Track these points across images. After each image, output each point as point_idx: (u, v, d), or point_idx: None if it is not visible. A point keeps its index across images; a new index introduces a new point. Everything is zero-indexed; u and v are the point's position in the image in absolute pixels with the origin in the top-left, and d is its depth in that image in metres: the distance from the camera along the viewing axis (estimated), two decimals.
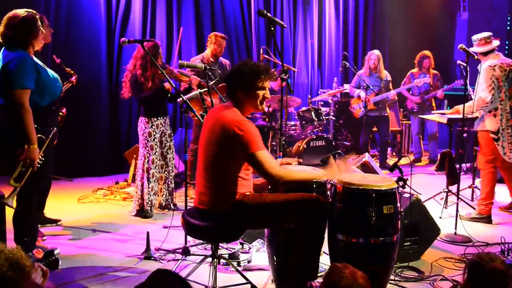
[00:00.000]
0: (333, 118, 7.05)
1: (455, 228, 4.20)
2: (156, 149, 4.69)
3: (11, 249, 1.53)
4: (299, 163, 3.44)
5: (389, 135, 7.30)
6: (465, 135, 5.99)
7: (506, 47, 8.88)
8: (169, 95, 4.69)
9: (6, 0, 4.51)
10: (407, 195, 3.58)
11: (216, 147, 2.81)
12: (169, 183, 4.85)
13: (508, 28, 9.05)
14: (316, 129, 6.41)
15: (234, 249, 3.64)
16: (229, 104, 2.92)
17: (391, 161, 7.19)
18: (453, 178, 4.92)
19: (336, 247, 2.92)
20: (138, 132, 4.75)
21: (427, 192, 5.21)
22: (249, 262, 3.57)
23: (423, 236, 3.69)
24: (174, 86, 4.04)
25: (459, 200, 4.40)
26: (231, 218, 2.82)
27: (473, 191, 5.44)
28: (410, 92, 7.32)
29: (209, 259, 3.13)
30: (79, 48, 6.23)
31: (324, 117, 6.38)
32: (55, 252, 3.65)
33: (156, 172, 4.73)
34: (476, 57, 4.43)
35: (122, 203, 5.22)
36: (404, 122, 8.18)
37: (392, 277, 3.21)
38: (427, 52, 7.17)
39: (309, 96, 6.86)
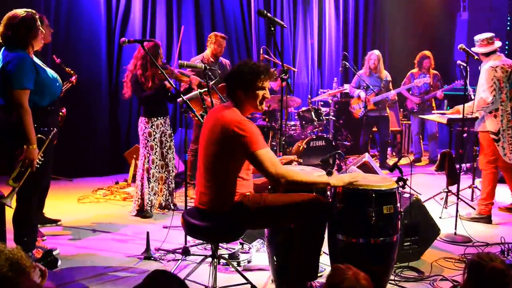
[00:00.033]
0: (333, 118, 7.05)
1: (455, 228, 4.20)
2: (156, 149, 4.69)
3: (11, 250, 1.53)
4: (299, 163, 3.43)
5: (389, 135, 7.30)
6: (465, 135, 6.00)
7: (506, 47, 8.88)
8: (169, 94, 4.69)
9: (6, 0, 4.51)
10: (407, 195, 3.58)
11: (216, 147, 2.81)
12: (169, 183, 4.85)
13: (508, 28, 9.05)
14: (316, 129, 6.41)
15: (234, 249, 3.64)
16: (229, 104, 2.92)
17: (391, 161, 7.19)
18: (453, 178, 4.92)
19: (336, 247, 2.92)
20: (138, 132, 4.75)
21: (427, 192, 5.22)
22: (249, 262, 3.57)
23: (423, 236, 3.69)
24: (174, 86, 4.04)
25: (459, 200, 4.40)
26: (231, 218, 2.81)
27: (473, 191, 5.45)
28: (410, 92, 7.32)
29: (209, 259, 3.13)
30: (79, 48, 6.23)
31: (324, 117, 6.38)
32: (54, 252, 3.67)
33: (156, 172, 4.73)
34: (476, 57, 4.43)
35: (122, 203, 5.22)
36: (404, 122, 8.19)
37: (392, 277, 3.21)
38: (427, 52, 7.17)
39: (309, 96, 6.86)
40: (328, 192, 3.13)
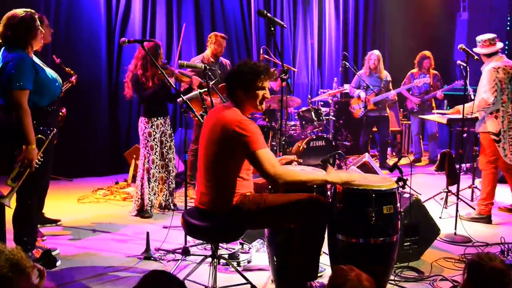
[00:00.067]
0: (333, 118, 7.05)
1: (455, 228, 4.20)
2: (156, 149, 4.69)
3: (12, 250, 1.53)
4: (299, 163, 3.43)
5: (389, 135, 7.30)
6: (465, 135, 6.00)
7: (506, 48, 8.88)
8: (170, 93, 4.67)
9: (6, 0, 4.51)
10: (407, 195, 3.59)
11: (217, 147, 2.81)
12: (170, 183, 4.85)
13: (508, 28, 9.05)
14: (316, 129, 6.41)
15: (234, 249, 3.64)
16: (229, 104, 2.92)
17: (391, 161, 7.19)
18: (453, 178, 4.92)
19: (336, 247, 2.92)
20: (138, 132, 4.76)
21: (427, 192, 5.22)
22: (249, 262, 3.57)
23: (423, 236, 3.69)
24: (174, 86, 4.04)
25: (459, 200, 4.40)
26: (231, 218, 2.81)
27: (473, 191, 5.45)
28: (410, 92, 7.32)
29: (209, 259, 3.12)
30: (79, 48, 6.23)
31: (324, 117, 6.38)
32: (54, 252, 3.68)
33: (157, 172, 4.73)
34: (476, 57, 4.43)
35: (122, 203, 5.22)
36: (404, 122, 8.19)
37: (392, 277, 3.21)
38: (427, 53, 7.17)
39: (309, 96, 6.86)
40: (328, 192, 3.13)
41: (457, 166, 5.21)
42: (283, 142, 5.83)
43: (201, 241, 3.70)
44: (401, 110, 8.16)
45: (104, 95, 6.48)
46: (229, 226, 2.83)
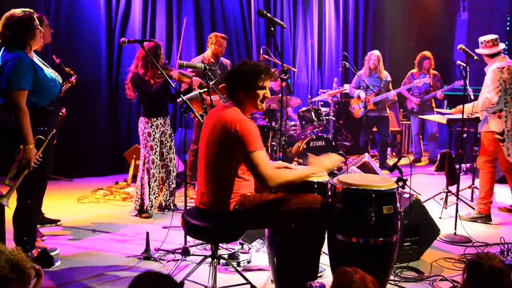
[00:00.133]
0: (333, 118, 7.05)
1: (455, 229, 4.20)
2: (156, 149, 4.69)
3: (12, 251, 1.53)
4: (299, 163, 3.43)
5: (389, 136, 7.30)
6: (465, 135, 6.00)
7: (506, 48, 8.88)
8: (172, 90, 4.65)
9: (5, 0, 4.51)
10: (406, 196, 3.59)
11: (217, 147, 2.81)
12: (170, 183, 4.85)
13: (508, 28, 9.05)
14: (316, 129, 6.41)
15: (234, 249, 3.64)
16: (230, 104, 2.92)
17: (391, 162, 7.19)
18: (452, 179, 4.92)
19: (336, 247, 2.92)
20: (138, 132, 4.76)
21: (426, 192, 5.22)
22: (248, 262, 3.57)
23: (423, 237, 3.69)
24: (174, 86, 4.04)
25: (459, 200, 4.41)
26: (232, 218, 2.81)
27: (472, 192, 5.45)
28: (410, 93, 7.32)
29: (209, 260, 3.12)
30: (79, 48, 6.23)
31: (324, 117, 6.38)
32: (54, 252, 3.68)
33: (157, 172, 4.73)
34: (475, 57, 4.44)
35: (121, 203, 5.22)
36: (404, 122, 8.19)
37: (391, 277, 3.21)
38: (427, 53, 7.17)
39: (309, 96, 6.86)
40: (329, 192, 3.13)
41: (457, 166, 5.21)
42: (283, 142, 5.83)
43: (201, 241, 3.70)
44: (401, 110, 8.16)
45: (104, 95, 6.48)
46: (229, 226, 2.83)
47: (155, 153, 4.69)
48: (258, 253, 3.71)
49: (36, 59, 3.39)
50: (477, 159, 4.87)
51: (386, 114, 7.15)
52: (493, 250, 3.83)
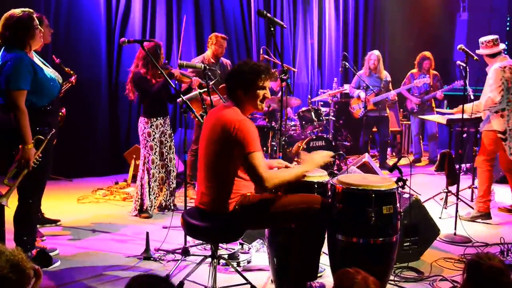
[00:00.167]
0: (333, 118, 7.05)
1: (455, 229, 4.20)
2: (156, 149, 4.69)
3: (12, 251, 1.53)
4: (299, 164, 3.43)
5: (389, 136, 7.30)
6: (464, 135, 6.00)
7: (506, 48, 8.88)
8: (172, 90, 4.65)
9: (5, 0, 4.51)
10: (406, 196, 3.59)
11: (217, 147, 2.81)
12: (170, 183, 4.85)
13: (508, 28, 9.05)
14: (316, 130, 6.41)
15: (234, 249, 3.64)
16: (230, 104, 2.92)
17: (390, 162, 7.19)
18: (452, 179, 4.93)
19: (336, 247, 2.92)
20: (138, 132, 4.76)
21: (426, 192, 5.22)
22: (248, 262, 3.57)
23: (423, 237, 3.69)
24: (174, 86, 4.04)
25: (459, 200, 4.41)
26: (231, 218, 2.81)
27: (472, 192, 5.45)
28: (410, 93, 7.32)
29: (209, 260, 3.12)
30: (79, 48, 6.23)
31: (324, 118, 6.38)
32: (54, 252, 3.67)
33: (156, 172, 4.73)
34: (475, 58, 4.44)
35: (121, 203, 5.22)
36: (404, 122, 8.19)
37: (391, 277, 3.21)
38: (427, 54, 7.17)
39: (309, 96, 6.86)
40: (329, 192, 3.13)
41: (457, 166, 5.22)
42: (283, 142, 5.83)
43: (201, 241, 3.70)
44: (401, 110, 8.16)
45: (104, 95, 6.48)
46: (229, 227, 2.83)
47: (155, 153, 4.69)
48: (258, 253, 3.71)
49: (37, 59, 3.39)
50: (476, 157, 4.88)
51: (386, 114, 7.15)
52: (493, 250, 3.83)
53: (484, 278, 2.04)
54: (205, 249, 3.81)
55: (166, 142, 4.78)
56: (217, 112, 2.91)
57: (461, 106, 4.88)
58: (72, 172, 6.16)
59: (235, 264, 3.42)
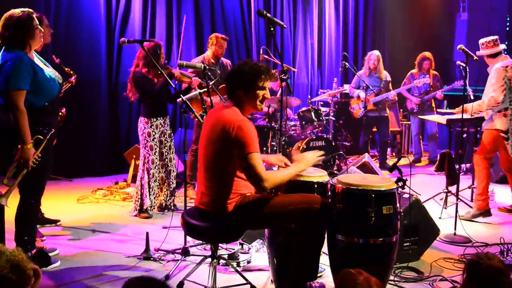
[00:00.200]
0: (333, 118, 7.05)
1: (455, 229, 4.20)
2: (155, 149, 4.69)
3: (12, 251, 1.53)
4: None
5: (388, 136, 7.30)
6: (464, 135, 6.01)
7: (506, 48, 8.89)
8: (172, 90, 4.65)
9: (5, 0, 4.51)
10: (406, 196, 3.59)
11: (217, 147, 2.81)
12: (171, 183, 4.85)
13: (508, 28, 9.05)
14: (316, 130, 6.41)
15: (234, 249, 3.64)
16: (229, 104, 2.92)
17: (390, 162, 7.19)
18: (452, 179, 4.93)
19: (336, 247, 2.92)
20: (138, 132, 4.75)
21: (426, 192, 5.22)
22: (248, 262, 3.57)
23: (423, 237, 3.69)
24: (174, 86, 4.04)
25: (459, 200, 4.41)
26: (231, 218, 2.82)
27: (472, 192, 5.45)
28: (410, 93, 7.33)
29: (209, 260, 3.13)
30: (79, 48, 6.23)
31: (324, 118, 6.38)
32: (54, 253, 3.67)
33: (156, 172, 4.73)
34: (475, 58, 4.45)
35: (121, 203, 5.22)
36: (404, 122, 8.19)
37: (391, 277, 3.21)
38: (428, 54, 7.17)
39: (309, 96, 6.87)
40: (328, 193, 3.13)
41: (457, 166, 5.22)
42: (283, 142, 5.83)
43: (201, 242, 3.70)
44: (401, 110, 8.16)
45: (104, 95, 6.48)
46: (229, 227, 2.83)
47: (155, 153, 4.69)
48: (258, 253, 3.71)
49: (37, 59, 3.39)
50: (474, 155, 4.89)
51: (386, 114, 7.15)
52: (493, 250, 3.83)
53: (484, 278, 2.04)
54: (205, 249, 3.81)
55: (166, 142, 4.78)
56: (216, 112, 2.91)
57: (464, 105, 4.90)
58: (72, 172, 6.16)
59: (235, 264, 3.42)
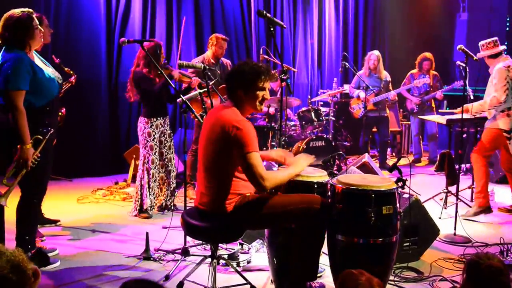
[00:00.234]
0: (333, 118, 7.05)
1: (455, 229, 4.20)
2: (155, 149, 4.69)
3: (13, 252, 1.52)
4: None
5: (388, 136, 7.30)
6: (464, 135, 6.00)
7: (506, 48, 8.89)
8: (172, 90, 4.65)
9: (5, 0, 4.51)
10: (406, 196, 3.59)
11: (216, 147, 2.81)
12: (171, 183, 4.85)
13: (507, 29, 9.05)
14: (316, 130, 6.41)
15: (234, 249, 3.64)
16: (229, 104, 2.92)
17: (390, 162, 7.19)
18: (452, 179, 4.93)
19: (336, 247, 2.92)
20: (138, 132, 4.76)
21: (426, 192, 5.22)
22: (248, 262, 3.57)
23: (423, 237, 3.69)
24: (173, 86, 4.04)
25: (459, 200, 4.41)
26: (231, 218, 2.82)
27: (472, 192, 5.44)
28: (410, 93, 7.33)
29: (209, 260, 3.13)
30: (79, 48, 6.23)
31: (323, 118, 6.39)
32: (54, 253, 3.67)
33: (156, 172, 4.73)
34: (475, 58, 4.45)
35: (121, 203, 5.22)
36: (404, 122, 8.19)
37: (391, 277, 3.21)
38: (428, 54, 7.17)
39: (309, 97, 6.87)
40: (328, 193, 3.13)
41: (457, 166, 5.22)
42: (283, 142, 5.83)
43: (201, 242, 3.70)
44: (401, 110, 8.16)
45: (104, 95, 6.49)
46: (228, 227, 2.83)
47: (154, 153, 4.69)
48: (258, 253, 3.71)
49: (37, 59, 3.39)
50: (471, 154, 4.89)
51: (386, 114, 7.15)
52: (492, 250, 3.83)
53: (484, 278, 2.04)
54: (205, 249, 3.81)
55: (165, 142, 4.78)
56: (216, 112, 2.91)
57: (465, 105, 4.91)
58: (72, 172, 6.16)
59: (235, 264, 3.42)
